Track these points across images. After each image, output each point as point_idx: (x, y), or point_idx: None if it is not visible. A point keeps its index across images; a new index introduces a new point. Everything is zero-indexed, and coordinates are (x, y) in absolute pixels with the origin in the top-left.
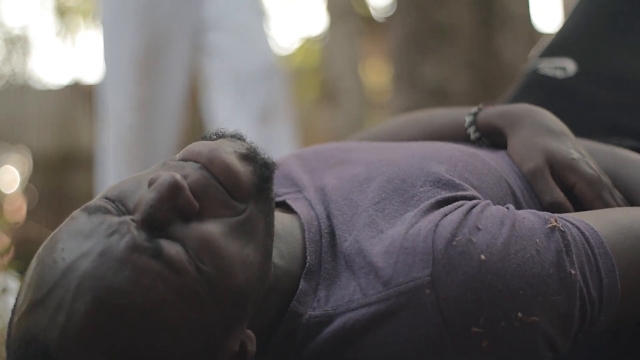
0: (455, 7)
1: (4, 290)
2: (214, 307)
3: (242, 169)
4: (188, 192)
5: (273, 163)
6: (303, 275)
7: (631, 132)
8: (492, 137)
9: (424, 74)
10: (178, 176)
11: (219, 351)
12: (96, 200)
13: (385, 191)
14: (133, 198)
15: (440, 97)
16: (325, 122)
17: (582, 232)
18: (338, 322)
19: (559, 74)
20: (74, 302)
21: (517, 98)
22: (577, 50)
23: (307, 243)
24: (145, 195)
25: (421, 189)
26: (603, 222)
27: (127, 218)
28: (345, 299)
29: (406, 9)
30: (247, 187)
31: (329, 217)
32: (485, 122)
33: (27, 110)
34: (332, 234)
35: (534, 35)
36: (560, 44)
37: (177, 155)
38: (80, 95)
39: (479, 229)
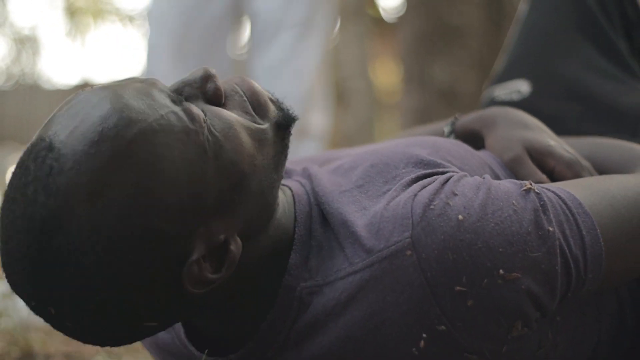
0: (465, 7)
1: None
2: (214, 171)
3: (269, 101)
4: (218, 81)
5: (295, 116)
6: (293, 247)
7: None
8: (471, 142)
9: (434, 75)
10: (211, 69)
11: (203, 221)
12: None
13: (369, 174)
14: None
15: (450, 97)
16: (334, 122)
17: (558, 195)
18: (327, 292)
19: (514, 97)
20: (93, 109)
21: None
22: (529, 69)
23: (297, 214)
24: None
25: (403, 170)
26: (578, 187)
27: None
28: (333, 269)
29: (416, 9)
30: (270, 112)
31: (315, 193)
32: (463, 128)
33: (37, 110)
34: (319, 206)
35: None
36: (510, 68)
37: None
38: None
39: (455, 194)
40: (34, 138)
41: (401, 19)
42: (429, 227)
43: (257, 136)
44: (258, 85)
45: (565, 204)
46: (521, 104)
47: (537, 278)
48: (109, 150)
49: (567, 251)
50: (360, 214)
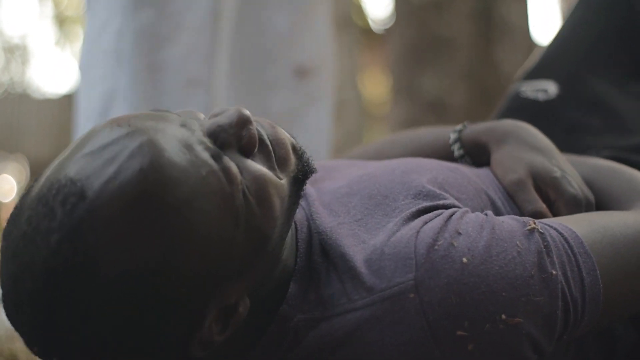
0: (454, 19)
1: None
2: (243, 238)
3: (291, 152)
4: (254, 128)
5: (315, 167)
6: (293, 277)
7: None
8: (476, 154)
9: (423, 86)
10: (247, 112)
11: (222, 288)
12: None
13: (368, 207)
14: (196, 120)
15: (438, 109)
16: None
17: (560, 233)
18: (324, 327)
19: (540, 96)
20: (130, 159)
21: None
22: (559, 73)
23: (298, 243)
24: (211, 120)
25: (403, 202)
26: (580, 223)
27: (197, 125)
28: (331, 303)
29: (405, 21)
30: (290, 166)
31: (313, 220)
32: (470, 138)
33: (26, 119)
34: (319, 234)
35: (532, 47)
36: (542, 67)
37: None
38: None
39: (459, 234)
40: (58, 170)
41: (390, 30)
42: (433, 269)
43: (281, 194)
44: (284, 133)
45: (568, 243)
46: (545, 105)
47: (538, 322)
48: (147, 217)
49: (567, 294)
50: (359, 247)
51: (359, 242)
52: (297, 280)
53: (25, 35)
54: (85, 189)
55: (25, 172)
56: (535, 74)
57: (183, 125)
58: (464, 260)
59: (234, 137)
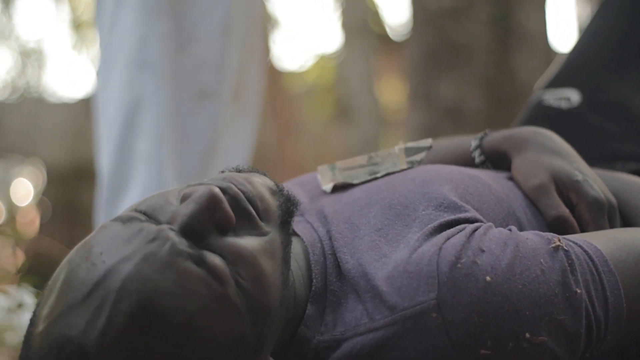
0: (472, 26)
1: (20, 305)
2: (249, 323)
3: (271, 200)
4: (227, 205)
5: (296, 199)
6: (310, 299)
7: (637, 157)
8: (497, 161)
9: (440, 93)
10: (216, 189)
11: None
12: (127, 212)
13: (388, 217)
14: (164, 212)
15: (455, 115)
16: (339, 139)
17: (585, 251)
18: (345, 347)
19: (563, 104)
20: (117, 303)
21: None
22: (582, 80)
23: (312, 265)
24: (183, 208)
25: (423, 212)
26: (605, 240)
27: (165, 226)
28: (352, 324)
29: (423, 27)
30: (274, 216)
31: (330, 239)
32: (491, 145)
33: (42, 124)
34: (334, 255)
35: (550, 54)
36: (564, 75)
37: (206, 179)
38: (95, 109)
39: (482, 251)
40: (53, 326)
41: (407, 36)
42: (456, 288)
43: (271, 251)
44: (258, 183)
45: (592, 261)
46: (567, 113)
47: (561, 341)
48: (150, 353)
49: (591, 313)
50: (380, 263)
51: (380, 256)
52: (314, 302)
53: (42, 40)
54: (85, 346)
55: (41, 176)
56: (557, 82)
57: (153, 239)
58: (487, 278)
59: (208, 223)
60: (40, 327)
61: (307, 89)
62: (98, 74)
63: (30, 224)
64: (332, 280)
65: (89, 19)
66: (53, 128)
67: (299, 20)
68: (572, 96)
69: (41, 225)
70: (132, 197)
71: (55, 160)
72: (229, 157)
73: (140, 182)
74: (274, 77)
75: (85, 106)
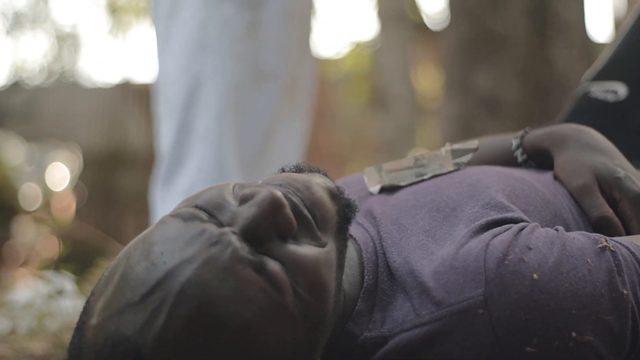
0: (510, 16)
1: (60, 291)
2: (304, 330)
3: (331, 205)
4: (289, 210)
5: (355, 205)
6: (361, 296)
7: None
8: (539, 159)
9: (476, 82)
10: (279, 193)
11: None
12: (186, 207)
13: (435, 219)
14: (224, 211)
15: (492, 105)
16: (375, 127)
17: (632, 253)
18: (392, 343)
19: (610, 97)
20: (176, 306)
21: (568, 121)
22: (629, 74)
23: (365, 263)
24: (244, 210)
25: (470, 211)
26: None
27: (227, 229)
28: (399, 320)
29: (460, 16)
30: (332, 223)
31: (380, 239)
32: (532, 144)
33: (77, 108)
34: (384, 255)
35: (588, 45)
36: (612, 68)
37: (266, 178)
38: (130, 94)
39: (530, 249)
40: (108, 322)
41: (444, 25)
42: (503, 284)
43: (329, 263)
44: (319, 187)
45: (639, 262)
46: (614, 106)
47: (607, 341)
48: (205, 359)
49: (637, 314)
50: (427, 260)
51: (427, 254)
52: (364, 299)
53: (77, 24)
54: (141, 347)
55: (77, 161)
56: (604, 74)
57: (215, 242)
58: (534, 276)
59: (270, 228)
60: (95, 319)
61: (343, 77)
62: (157, 58)
63: (66, 209)
64: (383, 279)
65: (124, 4)
66: (88, 113)
67: (335, 7)
68: (619, 89)
69: (77, 210)
70: (187, 173)
71: (90, 145)
72: (283, 149)
73: (197, 159)
74: None
75: (120, 91)
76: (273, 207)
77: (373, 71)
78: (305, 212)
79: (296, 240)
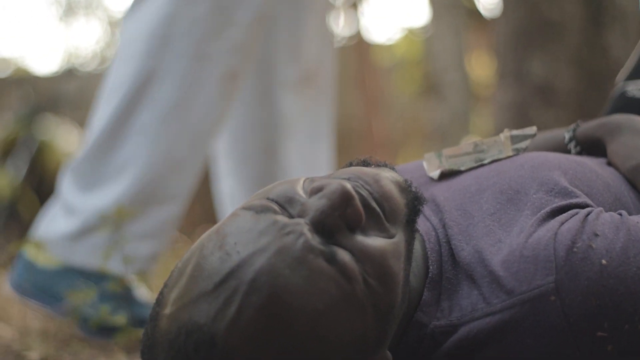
0: (565, 3)
1: None
2: (373, 321)
3: (399, 198)
4: (358, 202)
5: (423, 197)
6: (427, 285)
7: None
8: (593, 150)
9: (531, 70)
10: (349, 185)
11: None
12: (260, 200)
13: (500, 202)
14: (294, 203)
15: (546, 93)
16: (428, 114)
17: None
18: (462, 331)
19: None
20: (249, 295)
21: None
22: None
23: (428, 253)
24: (314, 202)
25: (534, 196)
26: None
27: (299, 220)
28: (469, 309)
29: (515, 3)
30: (400, 215)
31: (444, 227)
32: (585, 135)
33: None
34: (448, 243)
35: None
36: None
37: (335, 172)
38: None
39: (597, 235)
40: (181, 311)
41: (499, 12)
42: (573, 271)
43: (398, 254)
44: (387, 180)
45: None
46: None
47: None
48: (277, 348)
49: None
50: (495, 248)
51: (495, 242)
52: (430, 288)
53: None
54: (214, 335)
55: None
56: (638, 72)
57: (287, 232)
58: (603, 262)
59: (340, 219)
60: (169, 309)
61: (396, 63)
62: (120, 38)
63: None
64: (447, 268)
65: None
66: None
67: None
68: None
69: None
70: (117, 166)
71: None
72: (298, 145)
73: (130, 153)
74: (362, 49)
75: None
76: (343, 198)
77: (426, 58)
78: (374, 204)
79: (365, 232)
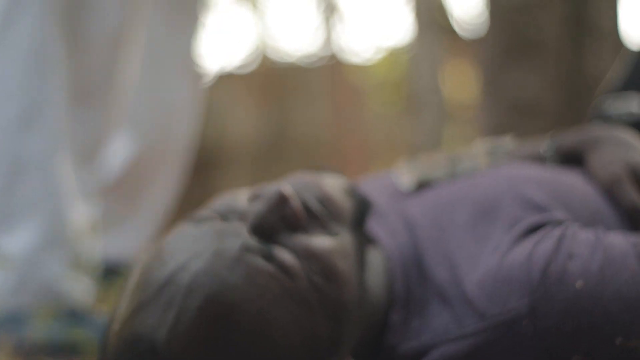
0: (545, 23)
1: None
2: (323, 319)
3: (343, 200)
4: (296, 203)
5: (370, 201)
6: (394, 304)
7: None
8: (571, 161)
9: (510, 90)
10: (287, 188)
11: None
12: (201, 212)
13: (474, 216)
14: (235, 211)
15: (527, 113)
16: (405, 134)
17: None
18: (434, 354)
19: (625, 118)
20: (187, 298)
21: None
22: None
23: (392, 271)
24: (252, 206)
25: (508, 210)
26: None
27: (238, 225)
28: (440, 330)
29: (496, 24)
30: (345, 217)
31: (415, 242)
32: (563, 146)
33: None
34: (419, 259)
35: (624, 52)
36: (627, 82)
37: (281, 180)
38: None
39: (573, 256)
40: (126, 323)
41: (480, 33)
42: (548, 294)
43: (344, 252)
44: (330, 186)
45: None
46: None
47: None
48: (221, 349)
49: None
50: (469, 264)
51: (469, 257)
52: (398, 307)
53: None
54: (155, 342)
55: None
56: (618, 89)
57: (225, 236)
58: (579, 283)
59: (278, 221)
60: (116, 325)
61: (374, 83)
62: None
63: None
64: (414, 287)
65: None
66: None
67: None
68: (633, 108)
69: None
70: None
71: None
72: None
73: (29, 188)
74: (337, 70)
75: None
76: (279, 200)
77: (405, 78)
78: (316, 205)
79: (307, 232)
